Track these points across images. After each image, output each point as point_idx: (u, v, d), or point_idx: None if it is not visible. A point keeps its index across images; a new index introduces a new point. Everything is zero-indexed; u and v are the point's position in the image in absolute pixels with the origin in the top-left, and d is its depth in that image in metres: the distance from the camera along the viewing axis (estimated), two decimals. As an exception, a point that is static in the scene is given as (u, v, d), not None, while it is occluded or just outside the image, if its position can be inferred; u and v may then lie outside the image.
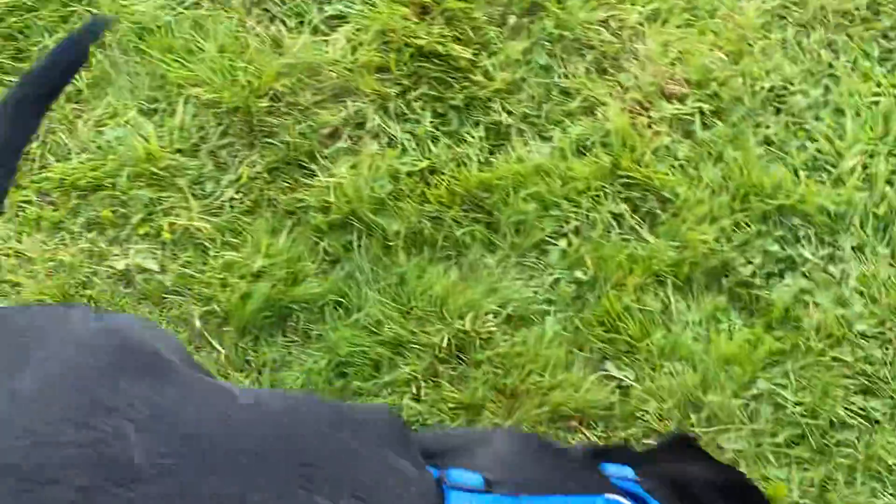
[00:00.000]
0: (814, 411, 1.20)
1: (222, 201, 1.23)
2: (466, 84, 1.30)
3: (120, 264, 1.19)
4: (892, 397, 1.21)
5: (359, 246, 1.22)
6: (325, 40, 1.30)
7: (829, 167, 1.30)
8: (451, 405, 1.15)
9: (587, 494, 0.70)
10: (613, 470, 0.79)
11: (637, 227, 1.27)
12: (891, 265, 1.26)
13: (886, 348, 1.24)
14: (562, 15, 1.31)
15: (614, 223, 1.26)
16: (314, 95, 1.28)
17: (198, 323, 1.17)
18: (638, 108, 1.32)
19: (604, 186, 1.27)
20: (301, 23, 1.30)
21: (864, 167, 1.28)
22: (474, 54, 1.30)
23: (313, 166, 1.25)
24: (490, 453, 0.73)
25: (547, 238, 1.25)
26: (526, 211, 1.24)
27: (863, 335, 1.24)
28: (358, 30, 1.29)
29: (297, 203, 1.23)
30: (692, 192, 1.25)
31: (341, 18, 1.31)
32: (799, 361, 1.23)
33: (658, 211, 1.27)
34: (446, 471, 0.66)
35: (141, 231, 1.21)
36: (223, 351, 1.17)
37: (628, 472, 0.79)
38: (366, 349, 1.17)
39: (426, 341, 1.17)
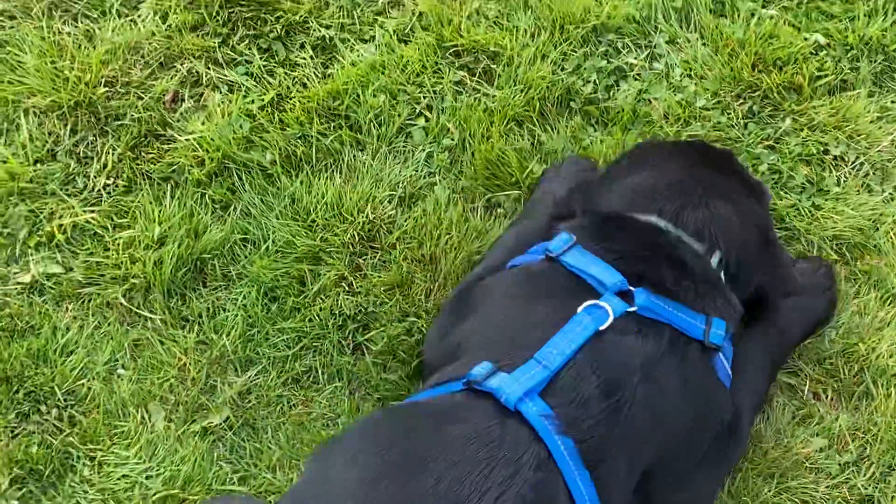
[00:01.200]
0: (688, 181, 2.49)
1: (98, 190, 2.37)
2: (280, 15, 2.56)
3: (25, 278, 2.27)
4: (747, 151, 2.54)
5: (242, 185, 2.39)
6: (133, 19, 2.49)
7: None
8: (383, 288, 2.33)
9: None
10: (556, 246, 2.01)
11: (478, 86, 2.55)
12: (704, 45, 2.63)
13: (728, 112, 2.59)
14: None
15: (459, 89, 2.54)
16: (144, 70, 2.47)
17: (123, 301, 2.27)
18: (439, -14, 2.64)
19: (437, 62, 2.57)
20: (104, 12, 2.48)
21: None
22: (276, -13, 2.56)
23: (169, 132, 2.44)
24: None
25: (406, 122, 2.51)
26: (378, 105, 2.50)
27: (705, 108, 2.60)
28: (159, 1, 2.49)
29: (169, 168, 2.38)
30: (515, 41, 2.56)
31: None
32: (661, 148, 2.53)
33: (493, 67, 2.57)
34: None
35: (32, 243, 2.31)
36: (157, 317, 2.27)
37: (565, 238, 2.01)
38: (286, 270, 2.34)
39: (338, 242, 2.37)
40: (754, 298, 2.21)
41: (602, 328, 1.89)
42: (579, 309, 1.91)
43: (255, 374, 2.32)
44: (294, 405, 2.30)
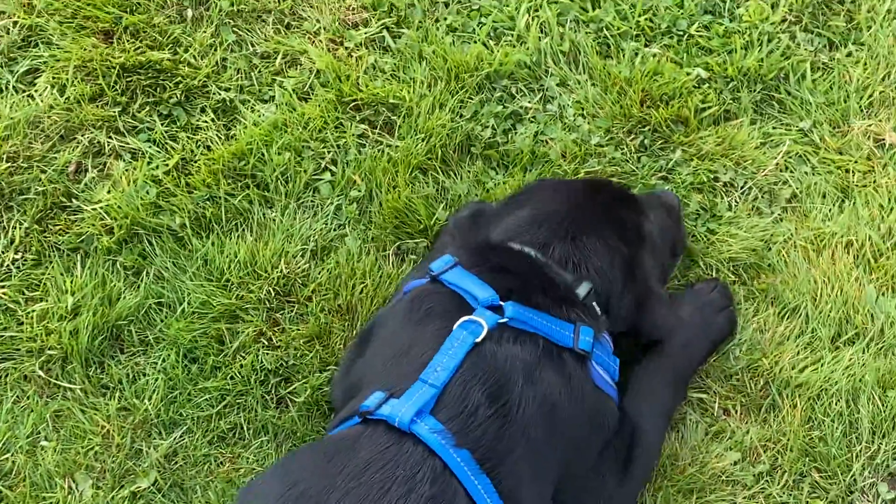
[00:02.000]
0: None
1: (7, 266, 2.40)
2: (178, 80, 2.64)
3: (-62, 361, 2.30)
4: (642, 183, 2.69)
5: (153, 250, 2.46)
6: (31, 94, 2.55)
7: (508, 31, 2.85)
8: (302, 341, 2.41)
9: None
10: (437, 266, 2.13)
11: (381, 138, 2.67)
12: (593, 85, 2.79)
13: (622, 147, 2.74)
14: None
15: (362, 142, 2.66)
16: (45, 143, 2.53)
17: (41, 373, 2.31)
18: (333, 44, 2.76)
19: (338, 117, 2.68)
20: (0, 90, 2.54)
21: (535, 19, 2.80)
22: (172, 53, 2.64)
23: (75, 202, 2.50)
24: None
25: (313, 177, 2.61)
26: (283, 162, 2.60)
27: (599, 145, 2.75)
28: (56, 73, 2.56)
29: (77, 238, 2.44)
30: (413, 92, 2.69)
31: (35, 71, 2.57)
32: (561, 185, 2.66)
33: (393, 118, 2.69)
34: None
35: (-57, 324, 2.34)
36: (77, 387, 2.31)
37: (447, 259, 2.13)
38: (204, 330, 2.41)
39: (254, 299, 2.45)
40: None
41: (478, 340, 2.02)
42: (455, 325, 2.04)
43: (181, 436, 2.37)
44: (221, 463, 2.36)
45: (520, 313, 2.10)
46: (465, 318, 2.07)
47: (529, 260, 2.23)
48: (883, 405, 2.48)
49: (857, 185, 2.78)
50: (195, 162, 2.65)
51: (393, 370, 2.06)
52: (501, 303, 2.11)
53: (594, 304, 2.24)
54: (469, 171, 2.74)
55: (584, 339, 2.14)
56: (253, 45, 2.83)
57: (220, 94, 2.75)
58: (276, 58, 2.82)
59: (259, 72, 2.81)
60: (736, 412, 2.50)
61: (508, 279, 2.17)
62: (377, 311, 2.40)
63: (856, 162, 2.80)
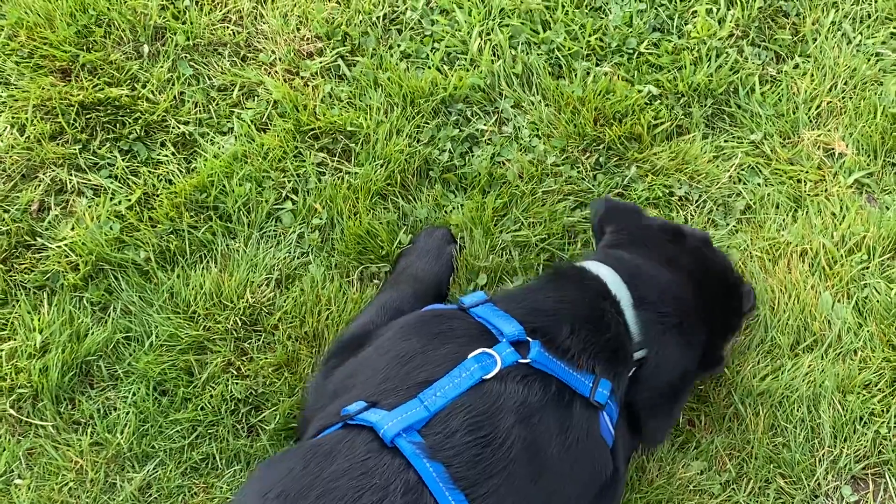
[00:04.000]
0: (549, 235, 2.75)
1: None
2: (137, 116, 2.73)
3: None
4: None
5: (119, 284, 2.55)
6: None
7: (461, 56, 2.96)
8: (271, 369, 2.50)
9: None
10: (468, 300, 2.22)
11: (340, 165, 2.77)
12: (547, 105, 2.91)
13: (577, 166, 2.86)
14: (185, 27, 2.82)
15: (322, 170, 2.75)
16: (6, 183, 2.62)
17: (12, 412, 2.38)
18: (289, 74, 2.86)
19: (297, 146, 2.78)
20: None
21: (487, 43, 2.91)
22: (130, 89, 2.73)
23: (39, 241, 2.58)
24: None
25: (274, 207, 2.70)
26: (245, 193, 2.69)
27: (555, 164, 2.86)
28: (15, 113, 2.64)
29: (43, 276, 2.52)
30: (370, 119, 2.79)
31: None
32: (520, 206, 2.79)
33: (351, 145, 2.79)
34: None
35: (-89, 366, 2.41)
36: (48, 423, 2.39)
37: (480, 295, 2.22)
38: (173, 362, 2.50)
39: (221, 329, 2.53)
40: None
41: (487, 377, 2.10)
42: (470, 355, 2.12)
43: (154, 468, 2.45)
44: (195, 493, 2.44)
45: (542, 356, 2.16)
46: (481, 350, 2.14)
47: (603, 297, 2.29)
48: (843, 409, 2.60)
49: (809, 195, 2.92)
50: (157, 196, 2.73)
51: (389, 378, 2.13)
52: (528, 339, 2.18)
53: (632, 370, 2.32)
54: (428, 195, 2.85)
55: (601, 391, 2.21)
56: (210, 79, 2.93)
57: (179, 128, 2.84)
58: (233, 90, 2.92)
59: (217, 104, 2.90)
60: (700, 423, 2.61)
61: (547, 317, 2.23)
62: (343, 336, 2.49)
63: (807, 172, 2.94)
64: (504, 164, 2.92)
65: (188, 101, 2.89)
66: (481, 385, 2.10)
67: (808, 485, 2.52)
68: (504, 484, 2.06)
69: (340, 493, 1.92)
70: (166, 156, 2.81)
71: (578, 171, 2.92)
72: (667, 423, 2.46)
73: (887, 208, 2.90)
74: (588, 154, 2.93)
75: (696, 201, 2.90)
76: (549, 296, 2.31)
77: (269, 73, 2.95)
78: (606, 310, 2.29)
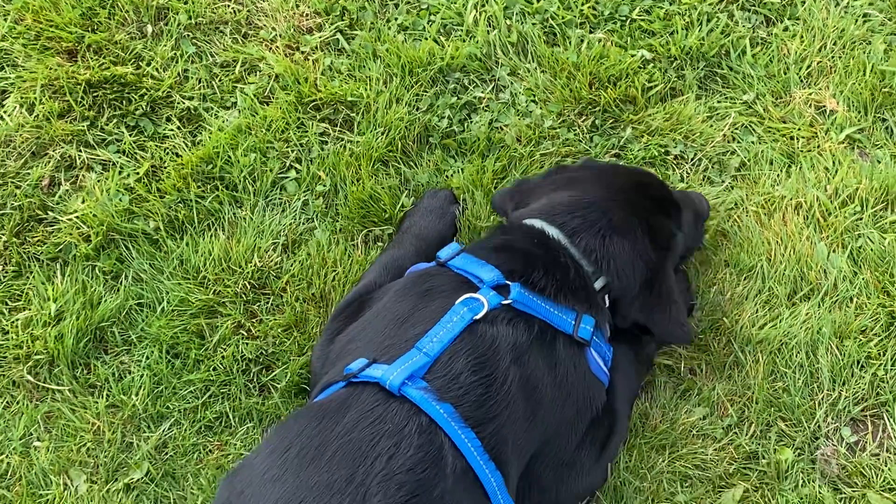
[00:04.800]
0: (547, 196, 2.78)
1: None
2: (143, 92, 2.79)
3: (-71, 369, 2.42)
4: (597, 161, 2.85)
5: (130, 254, 2.60)
6: (0, 115, 2.68)
7: (457, 27, 3.01)
8: (280, 330, 2.55)
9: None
10: (444, 254, 2.28)
11: (342, 135, 2.82)
12: (543, 72, 2.95)
13: (574, 129, 2.91)
14: (187, 7, 2.88)
15: (325, 139, 2.81)
16: (17, 160, 2.67)
17: (30, 378, 2.44)
18: (290, 49, 2.92)
19: (299, 118, 2.83)
20: None
21: (483, 14, 2.96)
22: (135, 68, 2.79)
23: (51, 214, 2.64)
24: None
25: (279, 176, 2.76)
26: (249, 163, 2.75)
27: (552, 128, 2.91)
28: (24, 93, 2.70)
29: (56, 248, 2.58)
30: (370, 89, 2.85)
31: (3, 92, 2.71)
32: (519, 168, 2.84)
33: (352, 115, 2.85)
34: None
35: (-71, 336, 2.47)
36: (65, 388, 2.44)
37: (454, 247, 2.28)
38: (184, 326, 2.55)
39: (231, 293, 2.59)
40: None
41: (477, 317, 2.15)
42: (457, 301, 2.17)
43: (169, 427, 2.50)
44: (210, 451, 2.49)
45: (523, 296, 2.23)
46: (468, 294, 2.20)
47: (549, 242, 2.35)
48: (841, 354, 2.64)
49: (802, 151, 2.96)
50: (164, 168, 2.79)
51: (387, 338, 2.19)
52: (508, 282, 2.24)
53: (605, 296, 2.38)
54: (429, 161, 2.90)
55: (584, 327, 2.28)
56: (212, 56, 2.99)
57: (184, 104, 2.90)
58: (235, 66, 2.98)
59: (220, 80, 2.96)
60: (702, 371, 2.66)
61: (519, 260, 2.30)
62: (350, 294, 2.54)
63: (799, 129, 2.98)
64: (502, 129, 2.97)
65: (192, 78, 2.95)
66: (474, 328, 2.15)
67: (809, 427, 2.55)
68: (507, 422, 2.11)
69: (356, 443, 1.96)
70: (172, 130, 2.86)
71: (575, 134, 2.96)
72: (673, 313, 2.48)
73: (878, 161, 2.94)
74: (584, 117, 2.98)
75: (692, 160, 2.95)
76: (512, 241, 2.37)
77: (270, 48, 3.01)
78: (559, 250, 2.34)
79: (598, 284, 2.36)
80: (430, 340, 2.11)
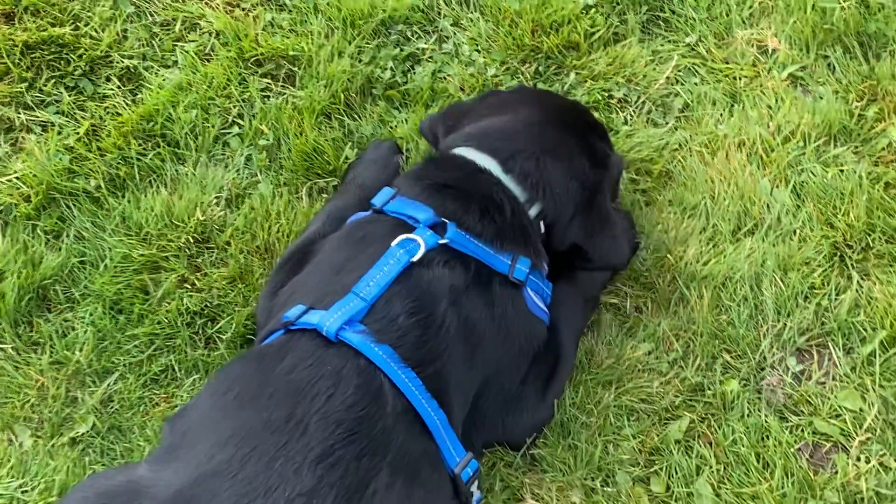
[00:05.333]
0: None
1: None
2: (81, 53, 2.77)
3: None
4: None
5: (71, 212, 2.59)
6: None
7: None
8: (224, 282, 2.55)
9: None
10: (378, 201, 2.27)
11: (284, 89, 2.81)
12: (486, 21, 2.95)
13: (518, 76, 2.90)
14: None
15: (267, 94, 2.79)
16: None
17: None
18: (230, 7, 2.90)
19: (241, 73, 2.81)
20: None
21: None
22: (73, 28, 2.77)
23: None
24: None
25: (221, 131, 2.74)
26: (191, 119, 2.73)
27: (495, 76, 2.90)
28: (-39, 56, 2.70)
29: (-7, 208, 2.58)
30: (311, 43, 2.83)
31: None
32: (462, 118, 2.81)
33: (294, 69, 2.83)
34: None
35: None
36: (8, 346, 2.43)
37: (387, 191, 2.27)
38: (127, 282, 2.53)
39: (174, 248, 2.58)
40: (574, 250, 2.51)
41: (414, 259, 2.15)
42: (393, 243, 2.16)
43: (114, 382, 2.49)
44: (157, 403, 2.48)
45: (459, 235, 2.23)
46: (405, 236, 2.19)
47: (481, 176, 2.34)
48: (785, 286, 2.64)
49: (744, 90, 2.96)
50: (105, 127, 2.78)
51: (325, 286, 2.18)
52: (444, 220, 2.23)
53: (540, 223, 2.37)
54: (372, 112, 2.89)
55: (519, 268, 2.27)
56: (152, 15, 2.98)
57: (123, 63, 2.88)
58: (175, 24, 2.96)
59: (160, 39, 2.95)
60: (647, 308, 2.65)
61: (454, 200, 2.29)
62: (294, 245, 2.53)
63: (742, 69, 2.98)
64: (446, 79, 2.96)
65: (131, 38, 2.93)
66: (411, 271, 2.15)
67: (754, 358, 2.55)
68: (448, 363, 2.11)
69: (295, 384, 1.96)
70: (112, 90, 2.85)
71: (519, 81, 2.95)
72: (611, 233, 2.49)
73: (821, 98, 2.93)
74: (527, 64, 2.97)
75: (635, 102, 2.94)
76: (444, 176, 2.35)
77: (210, 5, 2.99)
78: (491, 185, 2.33)
79: (532, 212, 2.35)
80: (367, 284, 2.10)
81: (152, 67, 2.89)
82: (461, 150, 2.39)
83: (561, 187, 2.38)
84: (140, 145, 2.76)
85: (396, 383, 2.01)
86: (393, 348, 2.04)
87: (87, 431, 2.42)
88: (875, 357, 2.52)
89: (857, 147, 2.85)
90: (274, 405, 1.93)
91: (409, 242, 2.18)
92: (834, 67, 2.97)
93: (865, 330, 2.56)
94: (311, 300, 2.14)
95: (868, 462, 2.38)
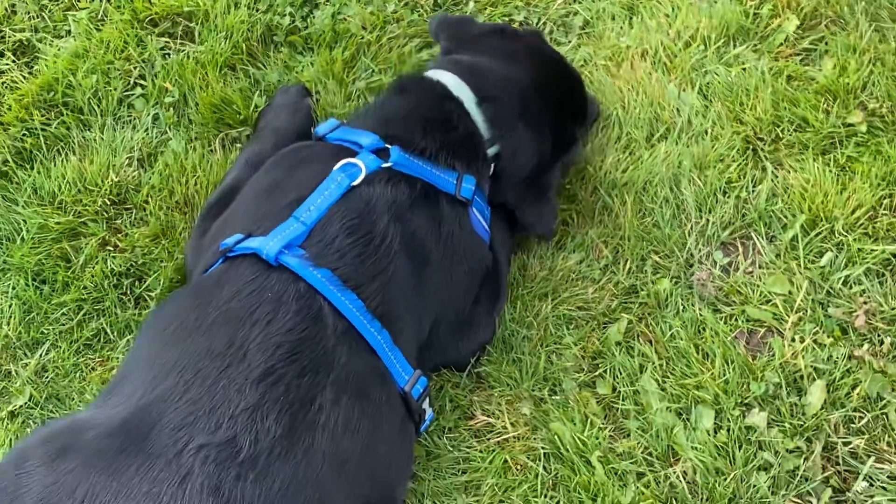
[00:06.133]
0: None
1: None
2: (-30, 28, 2.69)
3: None
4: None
5: (-22, 190, 2.53)
6: None
7: None
8: (147, 240, 2.50)
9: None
10: (322, 129, 2.24)
11: (183, 46, 2.76)
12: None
13: (417, 10, 2.91)
14: None
15: (167, 53, 2.74)
16: None
17: None
18: (119, -31, 2.85)
19: (138, 34, 2.76)
20: None
21: None
22: (-42, 5, 2.70)
23: None
24: None
25: (124, 94, 2.69)
26: (92, 84, 2.68)
27: (395, 12, 2.90)
28: None
29: None
30: (207, 1, 2.81)
31: None
32: (369, 55, 2.84)
33: (191, 25, 2.79)
34: None
35: None
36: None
37: (332, 122, 2.24)
38: (47, 252, 2.48)
39: (91, 212, 2.53)
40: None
41: (355, 183, 2.13)
42: (335, 168, 2.14)
43: (46, 352, 2.44)
44: (93, 368, 2.43)
45: (403, 158, 2.21)
46: (346, 160, 2.17)
47: (445, 101, 2.33)
48: (703, 184, 2.68)
49: (641, 2, 3.00)
50: (4, 102, 2.71)
51: (260, 209, 2.15)
52: (388, 146, 2.22)
53: (491, 165, 2.38)
54: (276, 59, 2.86)
55: (466, 187, 2.27)
56: (42, -15, 2.91)
57: (15, 37, 2.81)
58: (64, -6, 2.91)
59: (50, 11, 2.88)
60: (573, 221, 2.68)
61: (399, 124, 2.29)
62: (215, 193, 2.50)
63: (636, -19, 3.02)
64: (346, 19, 2.95)
65: (20, 11, 2.86)
66: (351, 192, 2.13)
67: (682, 256, 2.59)
68: (392, 279, 2.09)
69: (235, 313, 1.93)
70: (7, 64, 2.79)
71: (419, 14, 2.95)
72: (545, 208, 2.51)
73: (715, 2, 2.98)
74: (426, -2, 2.97)
75: (537, 24, 2.96)
76: (397, 105, 2.35)
77: (97, -29, 2.94)
78: (452, 110, 2.33)
79: (490, 151, 2.36)
80: (307, 209, 2.08)
81: (46, 38, 2.83)
82: (440, 75, 2.39)
83: (524, 152, 2.42)
84: (43, 115, 2.70)
85: (336, 305, 1.99)
86: (332, 270, 2.02)
87: (25, 403, 2.37)
88: (797, 241, 2.57)
89: (755, 45, 2.90)
90: (214, 334, 1.90)
91: (350, 167, 2.16)
92: (725, -29, 3.02)
93: (785, 217, 2.61)
94: (248, 224, 2.11)
95: (803, 341, 2.43)
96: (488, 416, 2.37)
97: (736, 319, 2.48)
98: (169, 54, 2.82)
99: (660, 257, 2.59)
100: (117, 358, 2.43)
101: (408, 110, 2.32)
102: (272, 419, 1.81)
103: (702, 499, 2.22)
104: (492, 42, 2.56)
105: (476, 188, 2.29)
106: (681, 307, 2.51)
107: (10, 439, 2.31)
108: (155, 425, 1.77)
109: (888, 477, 2.23)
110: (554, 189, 2.54)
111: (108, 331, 2.46)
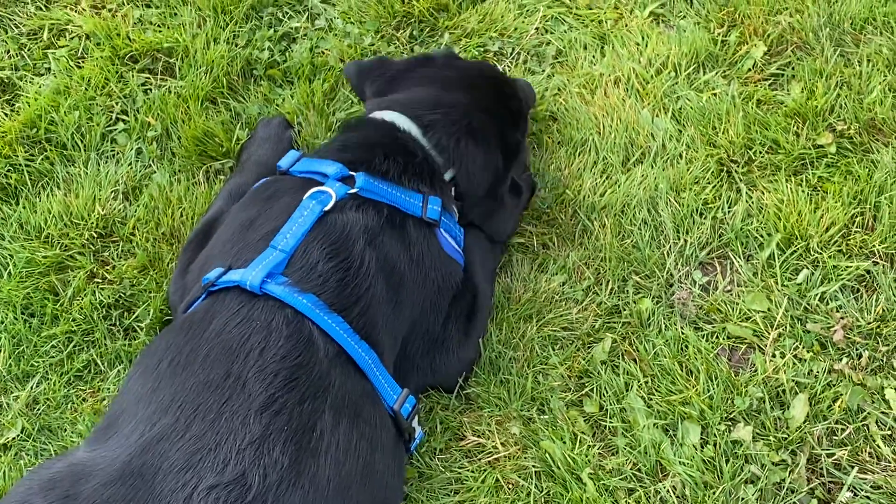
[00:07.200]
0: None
1: None
2: (-49, 67, 2.73)
3: None
4: None
5: (-36, 225, 2.55)
6: None
7: None
8: (135, 272, 2.54)
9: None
10: (284, 163, 2.31)
11: (164, 81, 2.82)
12: (353, -5, 3.01)
13: (394, 42, 2.98)
14: None
15: (148, 88, 2.79)
16: None
17: None
18: (96, 9, 2.90)
19: (118, 71, 2.81)
20: None
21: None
22: (-61, 43, 2.73)
23: None
24: None
25: (107, 129, 2.74)
26: (74, 121, 2.72)
27: (372, 45, 2.96)
28: None
29: None
30: (185, 33, 2.85)
31: None
32: (346, 87, 2.86)
33: (171, 61, 2.84)
34: None
35: None
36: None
37: (293, 154, 2.31)
38: (35, 285, 2.50)
39: (77, 245, 2.56)
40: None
41: (327, 209, 2.19)
42: (305, 196, 2.20)
43: (37, 384, 2.45)
44: (84, 399, 2.45)
45: (369, 183, 2.27)
46: (316, 189, 2.23)
47: (397, 133, 2.40)
48: (680, 206, 2.76)
49: (611, 31, 3.09)
50: (-15, 138, 2.75)
51: (237, 244, 2.20)
52: (352, 173, 2.28)
53: (452, 188, 2.45)
54: (257, 92, 2.92)
55: (432, 208, 2.33)
56: (17, 27, 2.95)
57: (-4, 75, 2.86)
58: (42, 33, 2.95)
59: (29, 49, 2.92)
60: (554, 244, 2.74)
61: (360, 151, 2.35)
62: (197, 226, 2.54)
63: (605, 12, 3.11)
64: (324, 53, 3.01)
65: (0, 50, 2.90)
66: (324, 219, 2.19)
67: (662, 276, 2.66)
68: (372, 302, 2.15)
69: (227, 344, 1.97)
70: (-16, 100, 2.82)
71: (395, 46, 3.02)
72: (504, 216, 2.61)
73: (683, 30, 3.08)
74: (401, 30, 3.05)
75: (511, 54, 3.04)
76: (354, 137, 2.42)
77: (76, 10, 2.98)
78: (407, 139, 2.41)
79: (448, 175, 2.43)
80: (284, 237, 2.13)
81: (26, 76, 2.87)
82: (382, 114, 2.46)
83: (477, 170, 2.49)
84: (27, 151, 2.73)
85: (325, 329, 2.04)
86: (317, 295, 2.06)
87: (18, 436, 2.38)
88: (774, 259, 2.65)
89: (725, 71, 3.00)
90: (210, 366, 1.93)
91: (320, 194, 2.22)
92: (692, 1, 3.12)
93: (761, 236, 2.70)
94: (227, 260, 2.16)
95: (783, 357, 2.50)
96: (479, 436, 2.42)
97: (717, 337, 2.55)
98: (150, 89, 2.86)
99: (640, 278, 2.65)
100: (108, 389, 2.45)
101: (365, 138, 2.40)
102: (278, 451, 1.84)
103: (693, 510, 2.28)
104: (416, 73, 2.65)
105: (443, 210, 2.35)
106: (663, 326, 2.57)
107: (4, 471, 2.32)
108: (160, 468, 1.79)
109: (871, 487, 2.29)
110: (507, 196, 2.61)
111: (99, 362, 2.48)
